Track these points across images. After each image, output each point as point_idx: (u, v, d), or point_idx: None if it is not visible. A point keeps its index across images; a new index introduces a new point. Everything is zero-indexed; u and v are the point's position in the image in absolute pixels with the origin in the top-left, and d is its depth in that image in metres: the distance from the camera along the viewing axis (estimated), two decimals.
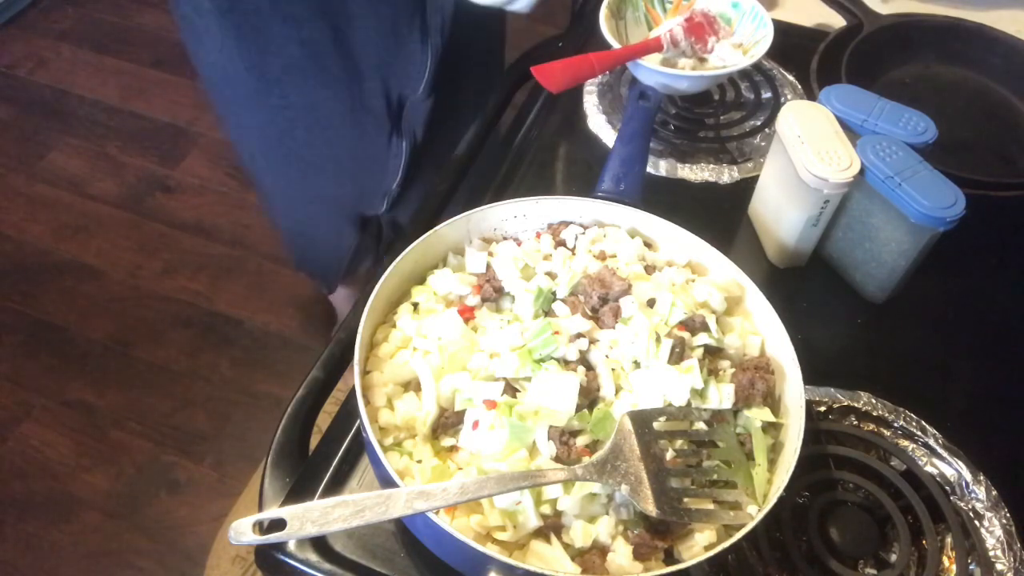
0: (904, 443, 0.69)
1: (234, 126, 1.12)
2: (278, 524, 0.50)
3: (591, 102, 1.00)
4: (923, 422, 0.69)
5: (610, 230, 0.73)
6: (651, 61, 0.91)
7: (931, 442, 0.68)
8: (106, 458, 1.71)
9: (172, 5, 0.99)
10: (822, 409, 0.71)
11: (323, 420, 0.73)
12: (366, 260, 1.32)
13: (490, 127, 0.98)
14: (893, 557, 0.63)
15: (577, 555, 0.55)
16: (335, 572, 0.62)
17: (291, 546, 0.63)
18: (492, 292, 0.67)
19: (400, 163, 1.11)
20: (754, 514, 0.56)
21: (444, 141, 1.09)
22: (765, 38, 0.93)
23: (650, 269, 0.70)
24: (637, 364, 0.62)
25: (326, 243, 1.27)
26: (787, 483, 0.56)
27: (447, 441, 0.60)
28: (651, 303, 0.65)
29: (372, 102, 1.03)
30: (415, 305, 0.68)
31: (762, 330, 0.67)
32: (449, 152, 0.92)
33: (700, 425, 0.61)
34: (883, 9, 1.03)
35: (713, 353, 0.65)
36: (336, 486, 0.68)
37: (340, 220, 1.21)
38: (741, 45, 0.97)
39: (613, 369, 0.62)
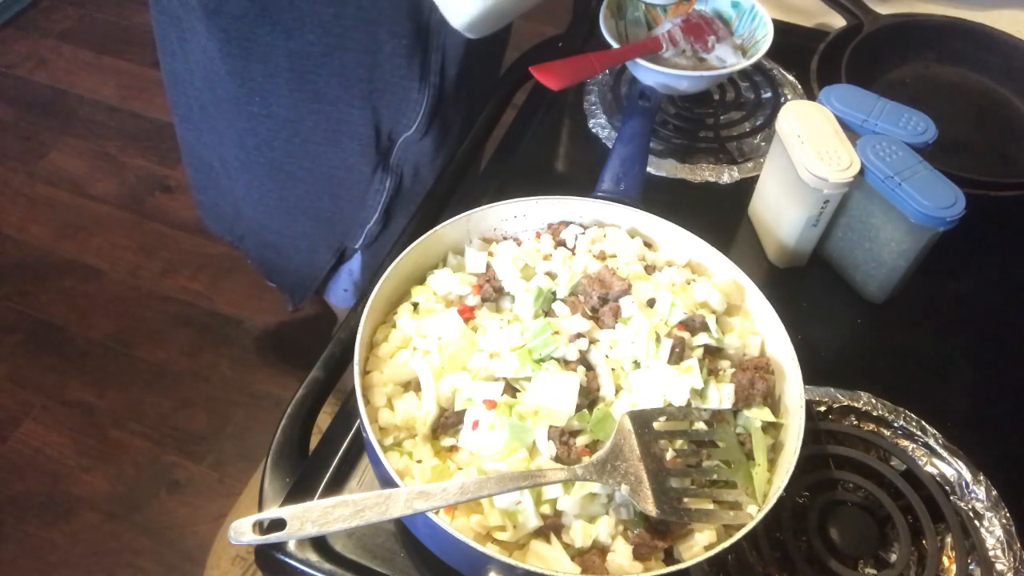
0: (904, 443, 0.69)
1: (208, 130, 1.07)
2: (278, 524, 0.50)
3: (591, 102, 1.00)
4: (923, 422, 0.70)
5: (610, 230, 0.73)
6: (651, 61, 0.91)
7: (931, 442, 0.68)
8: (106, 458, 1.70)
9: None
10: (822, 409, 0.71)
11: (323, 420, 0.73)
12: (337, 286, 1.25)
13: (490, 127, 0.98)
14: (893, 557, 0.63)
15: (577, 555, 0.55)
16: (335, 572, 0.62)
17: (291, 546, 0.63)
18: (492, 292, 0.67)
19: (381, 200, 1.06)
20: (754, 514, 0.56)
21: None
22: (765, 38, 0.93)
23: (650, 269, 0.70)
24: (637, 364, 0.62)
25: (298, 258, 1.20)
26: (787, 483, 0.56)
27: (447, 441, 0.60)
28: (651, 303, 0.65)
29: (360, 130, 0.99)
30: (415, 305, 0.67)
31: (762, 330, 0.67)
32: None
33: (700, 425, 0.61)
34: (883, 9, 1.03)
35: (713, 353, 0.65)
36: (336, 486, 0.68)
37: (315, 236, 1.15)
38: (741, 45, 0.97)
39: (613, 369, 0.62)
